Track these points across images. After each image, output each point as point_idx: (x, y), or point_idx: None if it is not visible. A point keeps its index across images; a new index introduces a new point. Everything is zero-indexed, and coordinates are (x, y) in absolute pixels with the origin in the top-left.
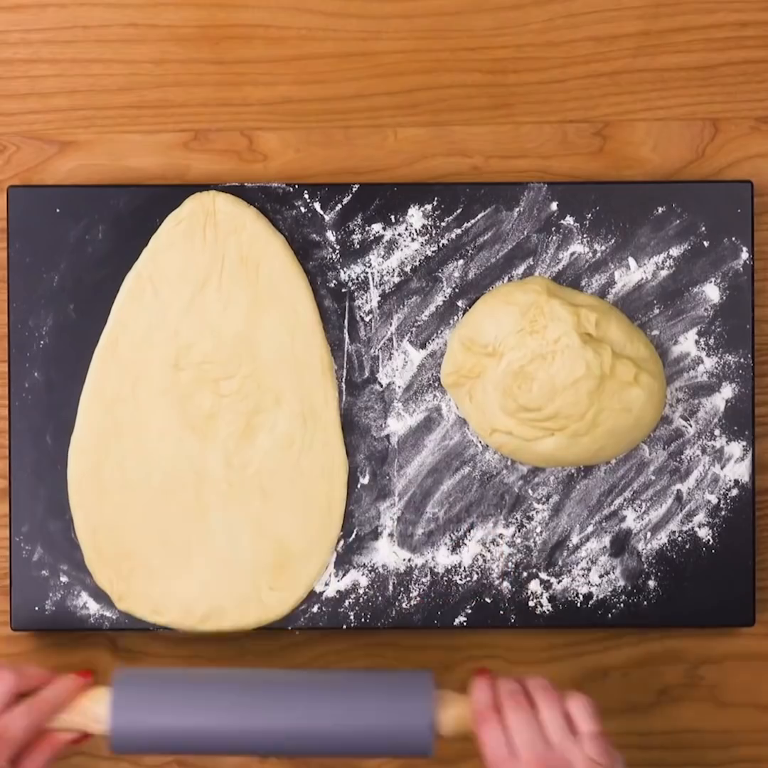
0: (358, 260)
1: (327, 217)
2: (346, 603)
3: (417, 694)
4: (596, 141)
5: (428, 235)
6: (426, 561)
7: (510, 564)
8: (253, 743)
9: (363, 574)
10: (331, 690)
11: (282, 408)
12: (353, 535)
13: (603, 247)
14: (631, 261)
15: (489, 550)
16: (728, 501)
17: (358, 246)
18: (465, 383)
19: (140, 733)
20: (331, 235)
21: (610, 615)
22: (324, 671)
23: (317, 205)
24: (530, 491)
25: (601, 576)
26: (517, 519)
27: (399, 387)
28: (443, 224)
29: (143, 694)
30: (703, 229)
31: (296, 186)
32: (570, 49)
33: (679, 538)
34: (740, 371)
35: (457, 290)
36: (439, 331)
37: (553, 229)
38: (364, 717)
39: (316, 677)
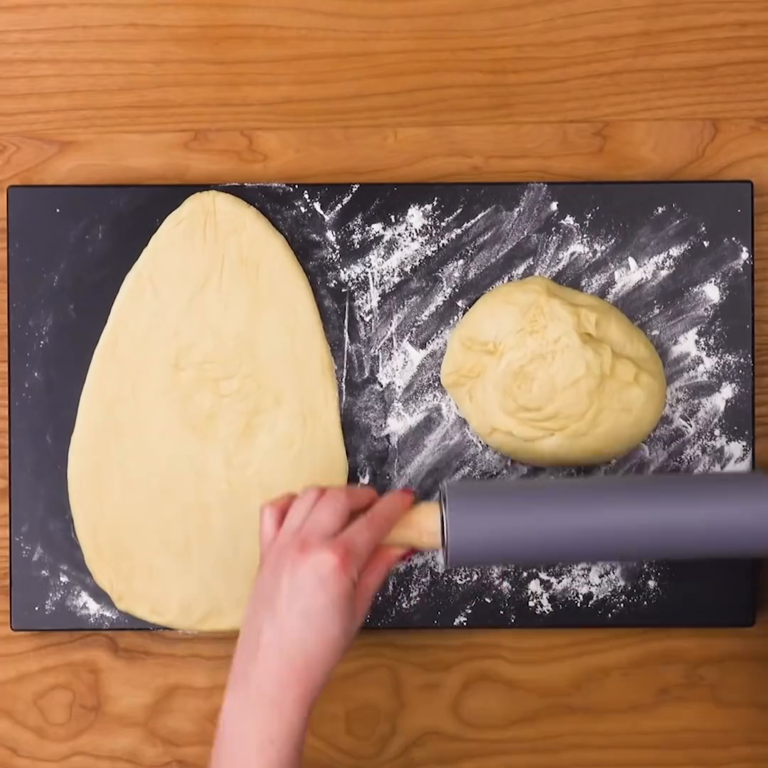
0: (358, 260)
1: (327, 217)
2: None
3: (763, 491)
4: (596, 141)
5: (428, 235)
6: (426, 561)
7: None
8: (586, 549)
9: None
10: (672, 490)
11: (282, 408)
12: None
13: (603, 247)
14: (631, 261)
15: None
16: None
17: (358, 246)
18: (465, 383)
19: (474, 544)
20: (331, 235)
21: (610, 615)
22: (647, 476)
23: (317, 205)
24: None
25: (601, 576)
26: None
27: (399, 387)
28: (443, 224)
29: (476, 505)
30: (703, 229)
31: (296, 186)
32: (570, 49)
33: None
34: (740, 371)
35: (457, 290)
36: (439, 331)
37: (553, 229)
38: (712, 515)
39: (649, 480)
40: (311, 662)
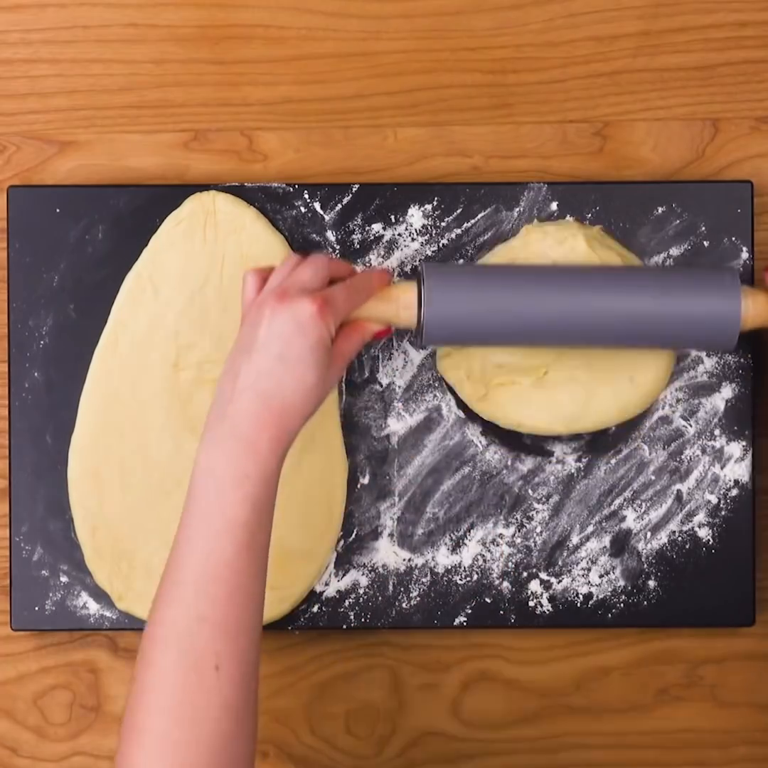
0: (358, 260)
1: (327, 217)
2: (346, 603)
3: (726, 287)
4: (596, 141)
5: (428, 235)
6: (426, 561)
7: (510, 564)
8: (561, 331)
9: (363, 574)
10: (643, 279)
11: None
12: (353, 535)
13: None
14: None
15: (489, 550)
16: (728, 501)
17: (358, 246)
18: (460, 363)
19: (450, 319)
20: (331, 235)
21: (610, 615)
22: (623, 266)
23: (317, 205)
24: (530, 491)
25: (601, 576)
26: (517, 519)
27: (399, 387)
28: (443, 224)
29: (452, 282)
30: (703, 229)
31: (296, 186)
32: (570, 49)
33: (679, 538)
34: (740, 371)
35: None
36: None
37: None
38: (676, 306)
39: (623, 270)
40: (287, 406)
